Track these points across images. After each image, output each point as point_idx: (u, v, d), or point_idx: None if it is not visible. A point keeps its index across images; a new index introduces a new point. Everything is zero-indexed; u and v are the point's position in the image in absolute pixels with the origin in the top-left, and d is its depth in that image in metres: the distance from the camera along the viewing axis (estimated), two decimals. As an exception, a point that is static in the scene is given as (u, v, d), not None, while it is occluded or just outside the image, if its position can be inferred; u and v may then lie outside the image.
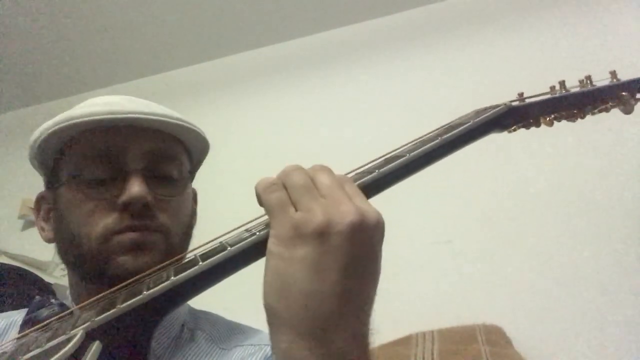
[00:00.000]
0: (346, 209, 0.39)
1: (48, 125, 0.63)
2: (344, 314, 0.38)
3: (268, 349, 0.62)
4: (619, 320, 1.29)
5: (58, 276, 1.76)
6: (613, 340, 1.28)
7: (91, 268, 0.59)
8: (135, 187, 0.58)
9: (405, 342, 1.31)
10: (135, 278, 0.47)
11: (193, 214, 0.72)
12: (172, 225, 0.62)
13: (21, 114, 2.27)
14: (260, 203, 0.42)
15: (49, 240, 0.68)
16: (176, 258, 0.49)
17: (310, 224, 0.38)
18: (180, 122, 0.65)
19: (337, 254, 0.38)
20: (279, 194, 0.41)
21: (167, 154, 0.65)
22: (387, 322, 1.41)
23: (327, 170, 0.43)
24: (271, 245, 0.40)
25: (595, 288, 1.34)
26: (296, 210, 0.40)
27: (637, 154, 1.45)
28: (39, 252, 1.83)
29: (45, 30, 1.94)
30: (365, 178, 0.46)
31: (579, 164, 1.50)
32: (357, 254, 0.39)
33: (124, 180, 0.60)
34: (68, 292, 0.68)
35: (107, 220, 0.59)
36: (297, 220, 0.39)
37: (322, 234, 0.38)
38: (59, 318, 0.48)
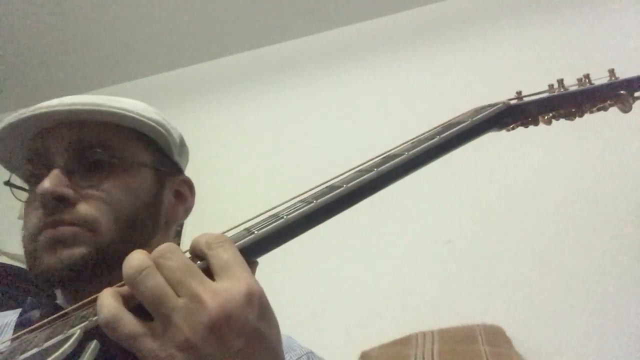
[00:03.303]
0: (203, 305, 0.35)
1: None
2: None
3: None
4: (619, 320, 1.29)
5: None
6: (613, 340, 1.28)
7: (31, 270, 0.59)
8: (44, 183, 0.57)
9: (405, 342, 1.31)
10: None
11: (154, 203, 0.67)
12: (100, 216, 0.59)
13: (21, 114, 2.27)
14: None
15: None
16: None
17: (173, 344, 0.35)
18: (92, 107, 0.61)
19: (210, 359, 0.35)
20: (130, 326, 0.36)
21: (92, 142, 0.62)
22: (387, 322, 1.42)
23: (174, 252, 0.38)
24: None
25: (595, 288, 1.34)
26: (154, 329, 0.36)
27: (638, 154, 1.45)
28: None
29: (46, 30, 1.94)
30: (364, 177, 0.46)
31: (580, 164, 1.49)
32: (229, 348, 0.35)
33: None
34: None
35: (33, 220, 0.59)
36: (159, 346, 0.35)
37: (188, 349, 0.35)
38: (54, 319, 0.48)
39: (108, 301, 0.37)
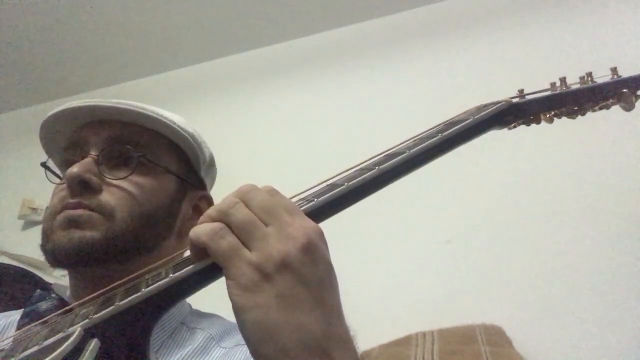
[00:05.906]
0: (294, 231, 0.39)
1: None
2: (330, 327, 0.38)
3: None
4: (619, 320, 1.29)
5: (58, 276, 1.76)
6: (613, 340, 1.27)
7: (42, 246, 0.63)
8: (73, 168, 0.61)
9: (405, 342, 1.30)
10: (133, 275, 0.47)
11: (172, 209, 0.70)
12: (118, 207, 0.62)
13: (21, 114, 2.27)
14: (207, 253, 0.39)
15: None
16: (175, 254, 0.49)
17: (271, 261, 0.37)
18: (137, 109, 0.66)
19: (304, 278, 0.38)
20: (229, 239, 0.38)
21: (128, 140, 0.66)
22: (387, 322, 1.42)
23: (257, 190, 0.42)
24: (236, 297, 0.37)
25: (596, 288, 1.34)
26: (249, 250, 0.38)
27: (638, 154, 1.45)
28: (39, 252, 1.82)
29: (46, 31, 1.94)
30: (366, 175, 0.46)
31: (580, 163, 1.49)
32: (318, 270, 0.39)
33: None
34: (68, 292, 0.68)
35: (56, 200, 0.63)
36: (256, 262, 0.37)
37: (284, 266, 0.37)
38: (59, 313, 0.48)
39: (209, 220, 0.40)
